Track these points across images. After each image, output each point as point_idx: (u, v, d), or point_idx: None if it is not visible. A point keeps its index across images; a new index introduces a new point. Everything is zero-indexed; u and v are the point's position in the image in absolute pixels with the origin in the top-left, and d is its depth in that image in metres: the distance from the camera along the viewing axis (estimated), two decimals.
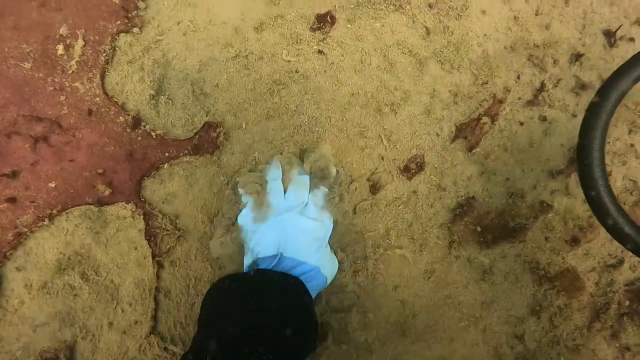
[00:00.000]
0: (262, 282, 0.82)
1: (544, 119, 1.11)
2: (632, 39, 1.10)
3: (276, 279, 0.82)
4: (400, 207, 1.07)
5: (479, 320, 1.10)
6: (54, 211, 1.02)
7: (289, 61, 1.00)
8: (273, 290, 0.81)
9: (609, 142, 1.13)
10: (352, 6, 1.05)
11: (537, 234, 1.11)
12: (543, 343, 1.12)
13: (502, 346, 1.11)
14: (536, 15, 1.10)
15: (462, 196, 1.09)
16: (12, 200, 1.00)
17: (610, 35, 1.10)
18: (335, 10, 1.05)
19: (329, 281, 0.93)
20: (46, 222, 1.01)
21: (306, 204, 0.92)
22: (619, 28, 1.09)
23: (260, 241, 0.88)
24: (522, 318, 1.12)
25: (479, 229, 1.08)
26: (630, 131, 1.13)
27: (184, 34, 1.06)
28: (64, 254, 1.03)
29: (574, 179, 1.12)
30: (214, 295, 0.83)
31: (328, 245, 0.95)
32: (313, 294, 0.85)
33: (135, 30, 1.06)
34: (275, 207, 0.90)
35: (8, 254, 1.00)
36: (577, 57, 1.10)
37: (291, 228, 0.87)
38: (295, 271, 0.84)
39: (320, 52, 1.02)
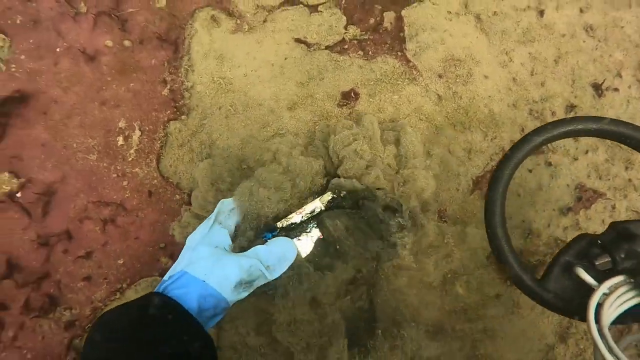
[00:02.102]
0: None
1: (549, 164, 1.25)
2: (616, 89, 1.26)
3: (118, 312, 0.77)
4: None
5: (512, 353, 1.20)
6: (124, 285, 1.14)
7: None
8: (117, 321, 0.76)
9: (609, 179, 1.26)
10: (372, 83, 1.20)
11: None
12: None
13: None
14: (532, 75, 1.26)
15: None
16: (87, 279, 1.12)
17: (597, 87, 1.25)
18: (358, 87, 1.20)
19: (223, 279, 0.82)
20: (118, 295, 1.13)
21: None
22: (604, 81, 1.24)
23: None
24: (552, 346, 1.22)
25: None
26: (626, 168, 1.27)
27: (225, 117, 1.21)
28: None
29: (582, 214, 1.25)
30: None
31: (207, 246, 0.87)
32: (188, 299, 0.79)
33: (183, 117, 1.21)
34: None
35: (86, 327, 1.11)
36: (571, 107, 1.25)
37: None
38: (161, 286, 0.82)
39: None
